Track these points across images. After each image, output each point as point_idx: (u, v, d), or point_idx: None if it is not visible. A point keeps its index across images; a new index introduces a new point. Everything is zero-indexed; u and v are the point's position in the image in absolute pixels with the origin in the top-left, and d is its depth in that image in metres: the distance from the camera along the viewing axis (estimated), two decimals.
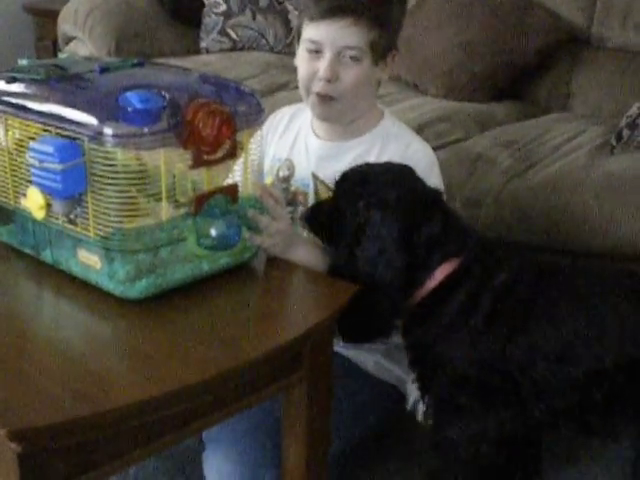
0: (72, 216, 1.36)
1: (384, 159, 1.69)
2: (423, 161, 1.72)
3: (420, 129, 2.50)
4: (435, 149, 2.40)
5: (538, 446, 1.74)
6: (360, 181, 1.56)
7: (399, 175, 1.59)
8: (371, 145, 1.76)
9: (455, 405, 1.54)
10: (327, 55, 1.66)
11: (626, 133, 2.35)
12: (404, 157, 1.70)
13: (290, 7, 3.39)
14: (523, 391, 1.50)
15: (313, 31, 1.67)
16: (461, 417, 1.55)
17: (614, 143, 2.35)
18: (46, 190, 1.35)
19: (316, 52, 1.68)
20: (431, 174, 1.71)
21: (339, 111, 1.73)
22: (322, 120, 1.78)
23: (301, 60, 1.72)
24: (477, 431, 1.53)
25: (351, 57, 1.66)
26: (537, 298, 1.51)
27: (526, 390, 1.50)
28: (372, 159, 1.70)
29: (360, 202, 1.53)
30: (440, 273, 1.53)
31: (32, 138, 1.36)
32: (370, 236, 1.51)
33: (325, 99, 1.70)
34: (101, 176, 1.29)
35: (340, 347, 1.72)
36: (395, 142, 1.76)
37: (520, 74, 2.87)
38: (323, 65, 1.66)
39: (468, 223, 1.61)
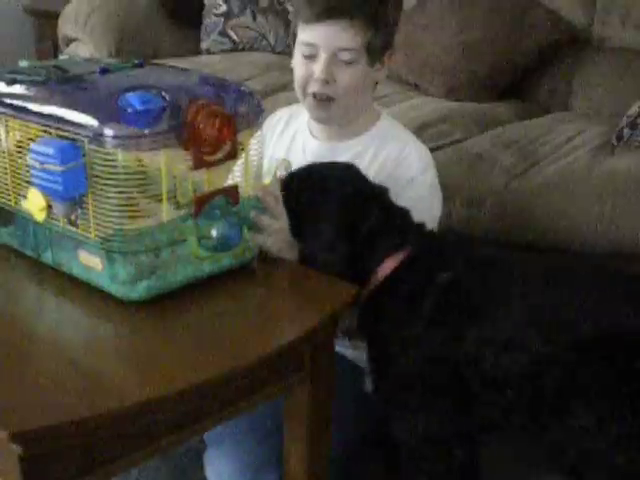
0: (73, 217, 1.36)
1: (380, 160, 1.70)
2: (417, 163, 1.74)
3: (420, 129, 2.50)
4: (435, 149, 2.41)
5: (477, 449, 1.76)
6: (304, 177, 1.59)
7: (341, 171, 1.62)
8: (367, 146, 1.77)
9: (401, 403, 1.55)
10: (322, 57, 1.66)
11: (627, 133, 2.34)
12: (398, 158, 1.71)
13: (291, 8, 3.39)
14: (473, 386, 1.49)
15: (308, 33, 1.68)
16: (407, 415, 1.55)
17: (615, 143, 2.35)
18: (47, 191, 1.35)
19: (311, 54, 1.68)
20: (425, 175, 1.73)
21: (336, 112, 1.73)
22: (319, 122, 1.78)
23: (297, 62, 1.73)
24: (422, 430, 1.54)
25: (346, 59, 1.66)
26: (482, 291, 1.51)
27: (475, 385, 1.49)
28: (367, 159, 1.71)
29: (303, 194, 1.56)
30: (384, 269, 1.54)
31: (32, 140, 1.36)
32: (312, 226, 1.54)
33: (322, 100, 1.70)
34: (102, 177, 1.29)
35: (340, 347, 1.72)
36: (391, 143, 1.77)
37: (521, 74, 2.87)
38: (318, 67, 1.67)
39: (412, 220, 1.62)
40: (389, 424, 1.59)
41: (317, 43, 1.67)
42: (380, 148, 1.76)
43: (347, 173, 1.63)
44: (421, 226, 1.61)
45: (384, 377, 1.56)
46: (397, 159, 1.69)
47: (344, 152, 1.75)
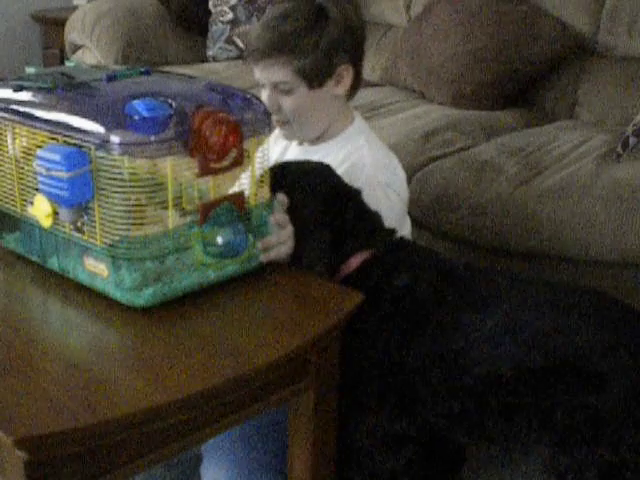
0: (79, 224, 1.37)
1: (338, 161, 1.79)
2: (369, 165, 1.80)
3: (426, 137, 2.51)
4: (441, 157, 2.42)
5: (458, 453, 1.75)
6: (280, 174, 1.62)
7: (315, 169, 1.68)
8: (331, 150, 1.85)
9: (353, 399, 1.55)
10: (266, 90, 1.82)
11: (632, 141, 2.34)
12: (350, 158, 1.81)
13: None
14: (420, 394, 1.50)
15: (253, 70, 1.85)
16: (357, 411, 1.56)
17: (620, 151, 2.35)
18: (53, 198, 1.35)
19: (264, 86, 1.83)
20: (376, 176, 1.79)
21: (297, 131, 1.88)
22: (286, 139, 1.93)
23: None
24: (371, 427, 1.55)
25: (283, 88, 1.80)
26: (436, 302, 1.52)
27: (422, 393, 1.50)
28: (330, 161, 1.76)
29: (280, 191, 1.58)
30: (349, 266, 1.58)
31: (39, 146, 1.37)
32: (295, 218, 1.56)
33: (279, 123, 1.85)
34: (108, 184, 1.29)
35: None
36: (347, 145, 1.85)
37: (526, 82, 2.88)
38: (264, 99, 1.79)
39: (381, 223, 1.66)
40: (342, 425, 1.60)
41: (259, 79, 1.83)
42: (338, 151, 1.84)
43: (325, 171, 1.68)
44: (390, 231, 1.65)
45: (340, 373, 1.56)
46: (346, 158, 1.80)
47: (313, 155, 1.83)
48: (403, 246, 1.64)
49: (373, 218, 1.66)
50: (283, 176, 1.61)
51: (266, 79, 1.80)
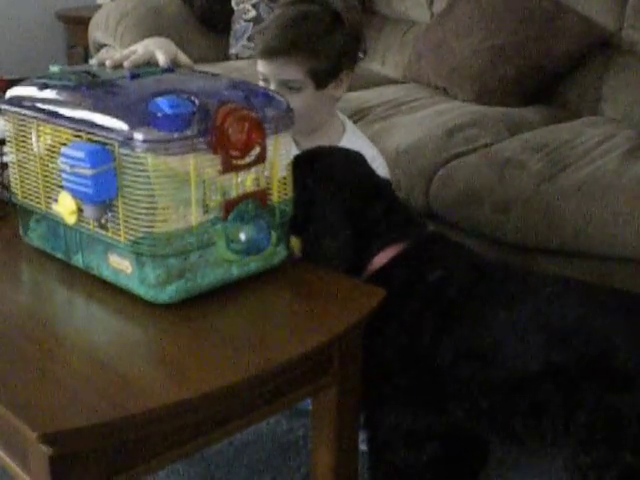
0: (103, 221, 1.37)
1: None
2: (382, 168, 1.86)
3: (450, 134, 2.50)
4: (465, 153, 2.41)
5: (482, 453, 1.74)
6: (310, 161, 1.62)
7: (347, 157, 1.67)
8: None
9: (378, 392, 1.55)
10: (272, 87, 1.83)
11: None
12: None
13: None
14: (448, 389, 1.50)
15: (260, 66, 1.86)
16: (382, 405, 1.56)
17: None
18: (77, 195, 1.36)
19: (265, 82, 1.85)
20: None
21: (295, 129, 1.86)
22: None
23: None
24: (395, 422, 1.54)
25: (292, 87, 1.83)
26: (468, 298, 1.51)
27: (451, 389, 1.49)
28: None
29: (309, 179, 1.58)
30: (381, 258, 1.57)
31: (64, 144, 1.38)
32: (318, 210, 1.56)
33: None
34: (132, 181, 1.30)
35: None
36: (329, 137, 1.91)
37: (550, 78, 2.86)
38: None
39: (415, 214, 1.67)
40: (367, 419, 1.61)
41: (266, 75, 1.85)
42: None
43: (357, 159, 1.67)
44: (423, 224, 1.65)
45: (365, 365, 1.56)
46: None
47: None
48: (436, 240, 1.63)
49: (405, 211, 1.65)
50: (311, 164, 1.61)
51: (276, 75, 1.83)
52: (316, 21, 1.84)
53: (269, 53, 1.83)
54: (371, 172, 1.66)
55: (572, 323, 1.43)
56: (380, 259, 1.57)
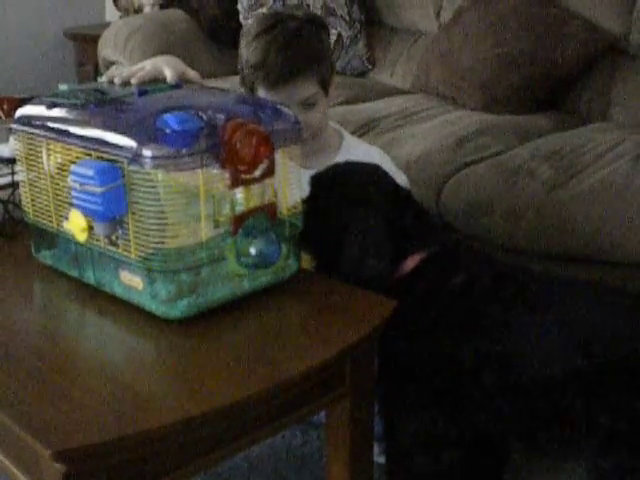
0: (113, 238, 1.38)
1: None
2: (388, 164, 1.87)
3: (459, 143, 2.50)
4: (475, 162, 2.41)
5: (501, 457, 1.74)
6: (333, 183, 1.62)
7: (371, 174, 1.66)
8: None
9: (398, 398, 1.55)
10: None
11: None
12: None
13: (330, 29, 3.39)
14: (471, 393, 1.49)
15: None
16: (401, 411, 1.55)
17: None
18: (87, 212, 1.36)
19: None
20: (401, 174, 1.87)
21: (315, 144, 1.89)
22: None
23: None
24: (415, 428, 1.54)
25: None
26: (490, 302, 1.51)
27: (473, 393, 1.49)
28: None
29: (343, 201, 1.58)
30: (408, 265, 1.57)
31: (73, 162, 1.38)
32: (356, 232, 1.55)
33: None
34: (141, 197, 1.31)
35: None
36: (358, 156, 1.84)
37: (559, 85, 2.86)
38: None
39: (437, 220, 1.68)
40: (387, 428, 1.60)
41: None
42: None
43: (380, 174, 1.67)
44: (446, 231, 1.64)
45: (387, 370, 1.55)
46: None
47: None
48: (459, 246, 1.64)
49: (430, 218, 1.66)
50: (339, 187, 1.61)
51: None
52: (307, 32, 1.85)
53: (283, 80, 1.81)
54: (395, 183, 1.66)
55: (595, 327, 1.43)
56: (407, 266, 1.57)
